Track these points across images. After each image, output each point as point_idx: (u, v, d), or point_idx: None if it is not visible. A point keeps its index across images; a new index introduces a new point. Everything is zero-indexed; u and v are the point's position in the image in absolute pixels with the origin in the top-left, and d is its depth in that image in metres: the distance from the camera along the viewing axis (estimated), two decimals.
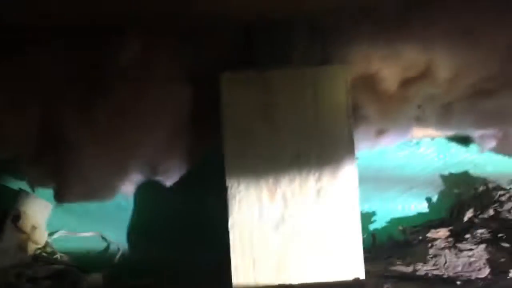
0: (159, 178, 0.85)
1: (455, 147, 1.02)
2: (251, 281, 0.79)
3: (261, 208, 0.80)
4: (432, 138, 1.00)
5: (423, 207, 1.01)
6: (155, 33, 0.75)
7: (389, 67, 0.78)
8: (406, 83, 0.80)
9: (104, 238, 1.03)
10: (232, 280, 0.79)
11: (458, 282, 0.75)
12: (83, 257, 1.01)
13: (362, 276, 0.79)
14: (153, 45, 0.76)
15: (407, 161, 1.02)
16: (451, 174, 1.01)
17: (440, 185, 1.01)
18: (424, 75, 0.77)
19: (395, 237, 0.97)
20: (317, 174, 0.79)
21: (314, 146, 0.80)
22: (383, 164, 1.02)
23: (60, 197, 0.82)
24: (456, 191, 0.98)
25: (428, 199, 1.01)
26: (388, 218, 1.01)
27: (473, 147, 0.98)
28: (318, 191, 0.80)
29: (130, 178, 0.84)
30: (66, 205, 0.95)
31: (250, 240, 0.80)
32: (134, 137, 0.77)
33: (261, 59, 0.82)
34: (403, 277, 0.80)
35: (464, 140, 1.00)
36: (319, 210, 0.80)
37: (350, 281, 0.79)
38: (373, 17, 0.74)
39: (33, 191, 0.94)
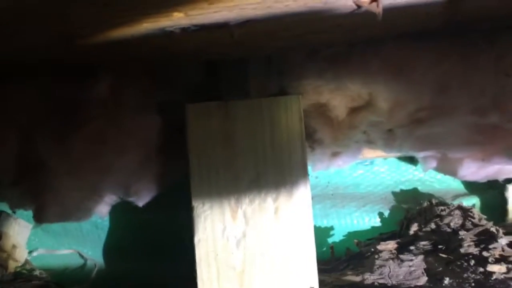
0: (131, 199, 0.89)
1: (405, 166, 1.09)
2: None
3: (224, 226, 0.85)
4: (385, 158, 1.07)
5: (376, 222, 1.07)
6: (125, 70, 0.80)
7: (337, 98, 0.85)
8: (353, 111, 0.87)
9: (81, 255, 1.06)
10: None
11: None
12: (61, 274, 1.04)
13: (316, 286, 0.85)
14: (124, 80, 0.81)
15: (362, 180, 1.09)
16: (401, 191, 1.08)
17: (391, 201, 1.08)
18: (368, 105, 0.85)
19: (352, 249, 1.02)
20: (274, 195, 0.85)
21: (272, 169, 0.85)
22: (340, 182, 1.09)
23: (38, 218, 0.86)
24: (405, 206, 1.05)
25: (381, 214, 1.07)
26: (345, 232, 1.07)
27: (421, 166, 1.05)
28: (276, 210, 0.86)
29: (104, 199, 0.88)
30: (45, 225, 1.00)
31: (214, 255, 0.85)
32: (106, 163, 0.81)
33: (223, 91, 0.87)
34: (353, 286, 0.86)
35: (414, 160, 1.06)
36: (276, 227, 0.85)
37: None
38: (321, 55, 0.82)
39: (14, 212, 0.98)
